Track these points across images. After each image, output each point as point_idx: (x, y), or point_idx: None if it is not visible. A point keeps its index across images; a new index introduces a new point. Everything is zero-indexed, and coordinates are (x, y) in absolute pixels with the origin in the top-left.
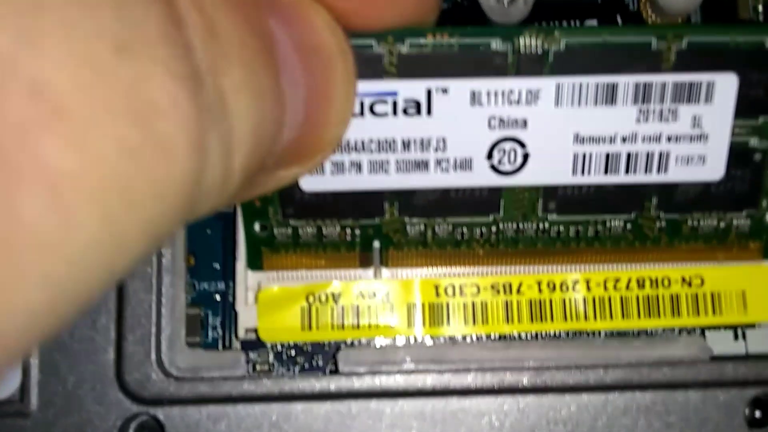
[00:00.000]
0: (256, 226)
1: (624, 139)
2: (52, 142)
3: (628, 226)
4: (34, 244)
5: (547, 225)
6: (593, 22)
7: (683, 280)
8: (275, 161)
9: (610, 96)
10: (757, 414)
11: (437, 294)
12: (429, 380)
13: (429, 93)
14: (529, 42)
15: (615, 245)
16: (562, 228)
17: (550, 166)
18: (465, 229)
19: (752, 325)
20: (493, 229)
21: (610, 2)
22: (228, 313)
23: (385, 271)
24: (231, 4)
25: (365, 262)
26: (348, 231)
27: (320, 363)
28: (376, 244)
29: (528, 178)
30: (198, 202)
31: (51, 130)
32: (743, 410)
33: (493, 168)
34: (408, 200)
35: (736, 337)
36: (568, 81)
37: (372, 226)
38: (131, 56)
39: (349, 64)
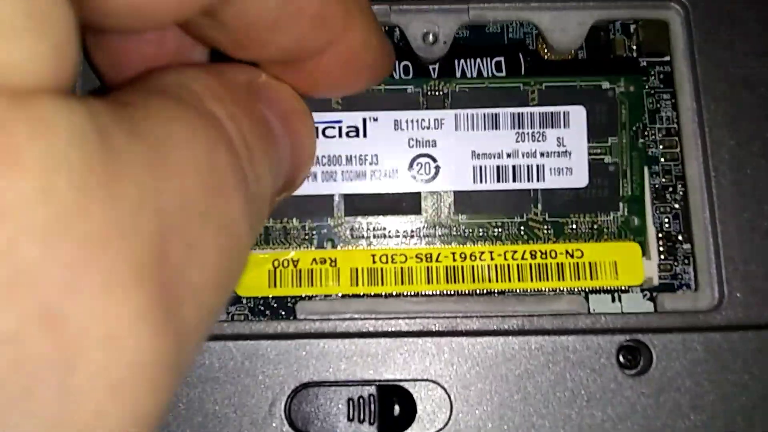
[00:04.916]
0: None
1: (509, 155)
2: None
3: (522, 227)
4: None
5: (458, 226)
6: (500, 59)
7: (567, 252)
8: (278, 191)
9: (494, 123)
10: (622, 359)
11: (373, 261)
12: (367, 325)
13: (364, 121)
14: (434, 87)
15: (513, 243)
16: (470, 229)
17: (455, 176)
18: (396, 229)
19: (626, 290)
20: (417, 229)
21: (514, 43)
22: None
23: None
24: (247, 111)
25: None
26: (307, 230)
27: (283, 313)
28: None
29: (440, 185)
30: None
31: None
32: (614, 354)
33: (413, 177)
34: (351, 203)
35: (613, 300)
36: (463, 112)
37: (325, 226)
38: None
39: (310, 118)
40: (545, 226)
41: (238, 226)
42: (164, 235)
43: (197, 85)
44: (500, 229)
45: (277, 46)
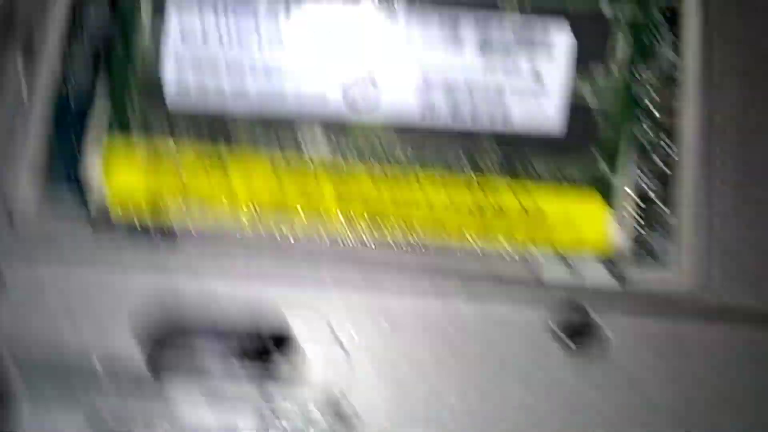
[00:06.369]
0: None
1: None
2: None
3: (470, 166)
4: None
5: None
6: None
7: (520, 205)
8: None
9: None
10: (570, 340)
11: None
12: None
13: None
14: None
15: (457, 188)
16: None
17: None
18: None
19: (585, 257)
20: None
21: None
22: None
23: None
24: None
25: None
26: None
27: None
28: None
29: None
30: None
31: None
32: (561, 332)
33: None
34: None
35: (568, 267)
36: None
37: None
38: None
39: None
40: (495, 166)
41: None
42: None
43: None
44: (445, 170)
45: None
